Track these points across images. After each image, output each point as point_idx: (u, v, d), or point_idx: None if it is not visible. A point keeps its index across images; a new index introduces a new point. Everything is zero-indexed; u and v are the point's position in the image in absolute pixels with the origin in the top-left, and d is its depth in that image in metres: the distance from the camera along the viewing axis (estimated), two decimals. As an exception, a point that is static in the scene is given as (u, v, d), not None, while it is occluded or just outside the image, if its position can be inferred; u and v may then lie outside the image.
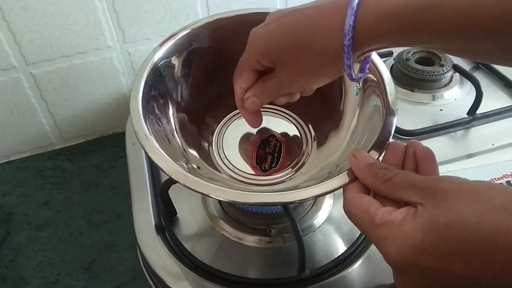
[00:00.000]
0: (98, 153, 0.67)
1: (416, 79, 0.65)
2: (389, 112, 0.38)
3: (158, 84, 0.44)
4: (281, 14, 0.36)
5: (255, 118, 0.43)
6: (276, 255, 0.45)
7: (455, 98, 0.64)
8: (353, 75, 0.33)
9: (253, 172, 0.45)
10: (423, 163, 0.32)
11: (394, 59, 0.69)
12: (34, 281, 0.51)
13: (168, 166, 0.34)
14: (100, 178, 0.63)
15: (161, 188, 0.46)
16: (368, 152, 0.34)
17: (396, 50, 0.71)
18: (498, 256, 0.23)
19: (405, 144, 0.34)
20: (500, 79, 0.66)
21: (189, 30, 0.46)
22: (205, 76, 0.49)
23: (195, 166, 0.43)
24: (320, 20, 0.32)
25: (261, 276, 0.44)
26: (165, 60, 0.45)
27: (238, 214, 0.47)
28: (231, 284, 0.43)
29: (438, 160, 0.32)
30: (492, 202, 0.24)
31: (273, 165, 0.45)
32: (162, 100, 0.45)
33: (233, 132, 0.49)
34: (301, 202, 0.47)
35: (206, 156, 0.46)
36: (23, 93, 0.60)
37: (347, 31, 0.30)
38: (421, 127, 0.58)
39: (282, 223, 0.47)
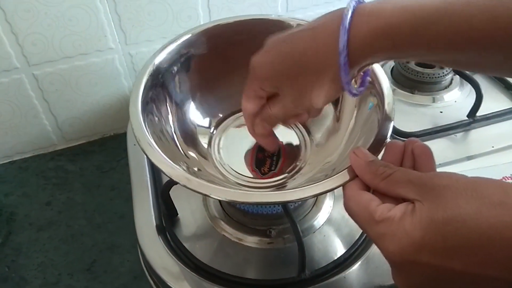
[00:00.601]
0: (99, 154, 0.67)
1: (416, 81, 0.65)
2: (386, 113, 0.38)
3: (157, 89, 0.44)
4: (277, 40, 0.37)
5: (270, 141, 0.44)
6: (276, 256, 0.45)
7: (455, 100, 0.65)
8: (353, 91, 0.34)
9: (253, 175, 0.45)
10: (421, 160, 0.32)
11: (394, 61, 0.69)
12: (35, 281, 0.51)
13: (170, 169, 0.35)
14: (102, 179, 0.63)
15: (162, 189, 0.46)
16: None
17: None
18: (496, 252, 0.23)
19: (404, 142, 0.34)
20: (500, 81, 0.67)
21: (189, 36, 0.47)
22: (204, 81, 0.49)
23: (196, 169, 0.43)
24: (315, 42, 0.33)
25: (261, 277, 0.44)
26: (165, 65, 0.45)
27: (239, 215, 0.48)
28: (232, 285, 0.43)
29: (438, 162, 0.32)
30: (489, 198, 0.24)
31: (272, 168, 0.46)
32: (162, 104, 0.45)
33: (232, 136, 0.49)
34: (302, 201, 0.47)
35: (205, 159, 0.47)
36: (25, 94, 0.60)
37: (341, 50, 0.31)
38: (421, 129, 0.59)
39: (282, 224, 0.47)
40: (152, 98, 0.43)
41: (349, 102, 0.45)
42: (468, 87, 0.65)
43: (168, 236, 0.47)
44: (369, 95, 0.42)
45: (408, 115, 0.62)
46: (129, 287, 0.50)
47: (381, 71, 0.41)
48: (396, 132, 0.58)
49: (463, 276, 0.24)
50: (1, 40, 0.54)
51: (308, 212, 0.49)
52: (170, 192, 0.47)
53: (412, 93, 0.65)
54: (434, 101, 0.64)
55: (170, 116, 0.46)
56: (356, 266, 0.43)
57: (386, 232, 0.26)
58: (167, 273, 0.43)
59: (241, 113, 0.50)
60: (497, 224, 0.23)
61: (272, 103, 0.39)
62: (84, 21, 0.56)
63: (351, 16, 0.30)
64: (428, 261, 0.25)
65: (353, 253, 0.45)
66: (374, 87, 0.41)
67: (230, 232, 0.47)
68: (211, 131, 0.50)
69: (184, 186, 0.34)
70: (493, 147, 0.57)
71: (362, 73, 0.38)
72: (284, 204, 0.44)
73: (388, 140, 0.35)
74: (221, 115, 0.51)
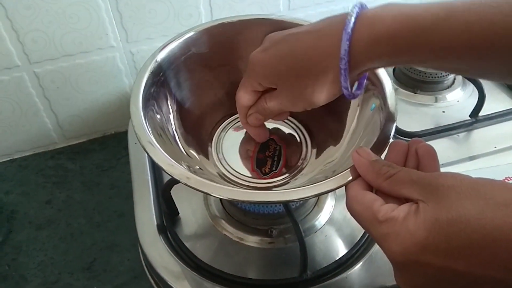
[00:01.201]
0: (100, 152, 0.67)
1: (419, 80, 0.65)
2: (388, 114, 0.38)
3: (158, 87, 0.44)
4: (278, 38, 0.37)
5: (260, 132, 0.46)
6: (277, 256, 0.45)
7: (458, 100, 0.64)
8: (351, 94, 0.35)
9: (253, 175, 0.45)
10: (425, 160, 0.32)
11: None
12: (35, 280, 0.51)
13: (172, 168, 0.34)
14: (102, 177, 0.63)
15: (164, 188, 0.46)
16: None
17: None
18: (501, 253, 0.23)
19: (407, 142, 0.34)
20: (503, 81, 0.66)
21: (191, 34, 0.47)
22: (205, 79, 0.49)
23: (196, 168, 0.43)
24: (317, 45, 0.34)
25: (262, 276, 0.44)
26: (166, 63, 0.45)
27: (240, 215, 0.47)
28: (232, 285, 0.43)
29: (440, 162, 0.32)
30: (494, 199, 0.24)
31: (273, 168, 0.45)
32: (163, 103, 0.45)
33: (233, 136, 0.49)
34: (304, 200, 0.47)
35: (206, 159, 0.47)
36: (26, 92, 0.60)
37: (343, 56, 0.31)
38: (424, 129, 0.59)
39: (284, 224, 0.47)
40: (153, 96, 0.43)
41: (352, 102, 0.45)
42: (471, 87, 0.65)
43: (169, 235, 0.47)
44: (371, 96, 0.42)
45: (410, 114, 0.62)
46: (129, 286, 0.50)
47: (383, 72, 0.41)
48: (398, 132, 0.58)
49: (467, 277, 0.24)
50: (2, 37, 0.54)
51: (310, 212, 0.48)
52: (171, 191, 0.46)
53: (415, 93, 0.65)
54: (436, 100, 0.64)
55: (171, 115, 0.46)
56: (358, 266, 0.43)
57: (389, 232, 0.26)
58: (167, 272, 0.43)
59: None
60: (502, 225, 0.23)
61: (269, 97, 0.39)
62: (85, 18, 0.56)
63: (354, 22, 0.31)
64: (432, 262, 0.25)
65: (355, 253, 0.45)
66: (376, 88, 0.40)
67: (231, 231, 0.47)
68: (213, 130, 0.50)
69: (185, 184, 0.33)
70: (495, 147, 0.57)
71: (360, 76, 0.38)
72: (286, 204, 0.43)
73: (391, 141, 0.35)
74: (222, 114, 0.51)
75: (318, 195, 0.33)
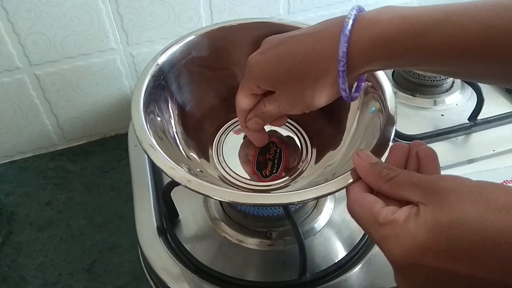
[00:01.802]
0: (100, 154, 0.67)
1: (418, 84, 0.65)
2: (388, 117, 0.38)
3: (159, 90, 0.44)
4: (276, 41, 0.37)
5: (259, 137, 0.46)
6: (276, 258, 0.45)
7: (456, 103, 0.65)
8: (349, 97, 0.35)
9: (254, 178, 0.45)
10: (425, 162, 0.32)
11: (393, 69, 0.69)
12: (35, 281, 0.51)
13: (172, 170, 0.35)
14: (102, 179, 0.63)
15: (164, 190, 0.46)
16: None
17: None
18: (501, 256, 0.23)
19: (408, 145, 0.34)
20: (501, 85, 0.67)
21: (192, 37, 0.47)
22: (205, 83, 0.49)
23: (197, 171, 0.43)
24: (315, 47, 0.34)
25: (261, 279, 0.44)
26: (167, 66, 0.45)
27: (239, 217, 0.48)
28: (231, 287, 0.43)
29: (439, 165, 0.32)
30: (494, 202, 0.24)
31: (274, 171, 0.46)
32: (164, 106, 0.45)
33: (233, 139, 0.49)
34: (303, 203, 0.47)
35: (207, 161, 0.47)
36: (26, 94, 0.60)
37: (341, 58, 0.31)
38: (422, 132, 0.59)
39: (283, 226, 0.47)
40: (154, 99, 0.43)
41: (351, 105, 0.45)
42: (469, 91, 0.65)
43: (168, 237, 0.47)
44: (371, 99, 0.42)
45: (409, 118, 0.62)
46: (129, 287, 0.50)
47: (383, 76, 0.41)
48: (397, 135, 0.58)
49: (467, 280, 0.24)
50: (3, 40, 0.54)
51: (309, 215, 0.49)
52: (171, 193, 0.46)
53: (414, 96, 0.65)
54: (435, 104, 0.64)
55: (172, 118, 0.46)
56: (357, 269, 0.43)
57: (390, 235, 0.26)
58: (167, 274, 0.43)
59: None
60: (502, 228, 0.23)
61: (268, 100, 0.39)
62: (86, 21, 0.56)
63: (352, 24, 0.31)
64: (432, 264, 0.25)
65: (354, 256, 0.45)
66: (376, 91, 0.41)
67: (230, 233, 0.47)
68: (213, 132, 0.50)
69: (186, 187, 0.34)
70: (494, 150, 0.57)
71: (358, 78, 0.38)
72: (285, 206, 0.44)
73: (391, 143, 0.35)
74: (223, 117, 0.51)
75: (318, 198, 0.34)
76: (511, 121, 0.61)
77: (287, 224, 0.46)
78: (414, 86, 0.65)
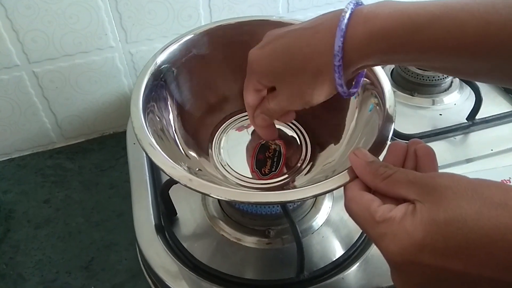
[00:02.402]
0: (98, 152, 0.67)
1: (416, 83, 0.65)
2: (387, 114, 0.38)
3: (158, 88, 0.44)
4: (274, 35, 0.37)
5: (268, 131, 0.45)
6: (274, 256, 0.45)
7: (455, 103, 0.65)
8: (346, 92, 0.35)
9: (253, 176, 0.45)
10: (423, 161, 0.32)
11: (389, 65, 0.69)
12: (33, 279, 0.51)
13: (171, 169, 0.35)
14: (100, 177, 0.63)
15: (162, 188, 0.46)
16: None
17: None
18: (498, 253, 0.23)
19: (406, 143, 0.34)
20: (500, 84, 0.67)
21: (191, 36, 0.47)
22: (205, 81, 0.49)
23: (196, 169, 0.43)
24: (312, 42, 0.33)
25: (259, 277, 0.44)
26: (166, 65, 0.45)
27: (238, 215, 0.48)
28: (230, 285, 0.43)
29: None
30: (491, 199, 0.24)
31: (273, 169, 0.46)
32: (163, 104, 0.45)
33: (233, 137, 0.49)
34: (301, 201, 0.47)
35: (206, 160, 0.47)
36: (25, 92, 0.60)
37: (337, 52, 0.31)
38: (421, 132, 0.59)
39: (281, 225, 0.47)
40: (154, 98, 0.43)
41: (350, 103, 0.45)
42: (468, 90, 0.65)
43: (167, 235, 0.47)
44: (370, 96, 0.42)
45: (407, 117, 0.63)
46: (127, 285, 0.50)
47: (382, 73, 0.41)
48: (396, 134, 0.58)
49: (464, 277, 0.24)
50: (1, 37, 0.54)
51: (307, 213, 0.49)
52: (169, 192, 0.47)
53: (412, 95, 0.65)
54: (433, 103, 0.64)
55: (171, 116, 0.46)
56: (354, 267, 0.43)
57: (386, 233, 0.26)
58: (165, 272, 0.43)
59: (242, 114, 0.51)
60: (498, 225, 0.23)
61: (271, 97, 0.39)
62: (84, 18, 0.56)
63: (349, 18, 0.31)
64: (429, 262, 0.25)
65: (352, 254, 0.45)
66: (375, 89, 0.41)
67: (229, 232, 0.47)
68: (213, 131, 0.50)
69: (185, 185, 0.34)
70: (492, 150, 0.57)
71: (357, 74, 0.38)
72: (283, 205, 0.44)
73: (389, 142, 0.36)
74: (222, 116, 0.51)
75: (315, 196, 0.34)
76: (509, 120, 0.61)
77: (285, 222, 0.46)
78: (412, 86, 0.65)
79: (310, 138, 0.49)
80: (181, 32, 0.48)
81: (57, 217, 0.58)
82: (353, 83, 0.38)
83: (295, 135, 0.49)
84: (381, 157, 0.34)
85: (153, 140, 0.37)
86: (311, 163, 0.46)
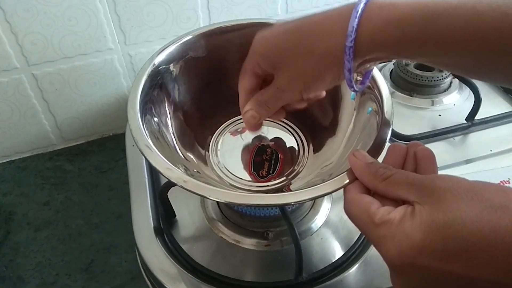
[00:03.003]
0: (98, 154, 0.67)
1: (415, 84, 0.65)
2: (384, 118, 0.38)
3: (156, 90, 0.44)
4: (287, 21, 0.36)
5: (254, 125, 0.43)
6: (273, 258, 0.45)
7: (454, 103, 0.65)
8: (353, 81, 0.33)
9: (251, 179, 0.45)
10: (423, 163, 0.32)
11: (393, 64, 0.69)
12: (33, 281, 0.51)
13: (169, 171, 0.35)
14: (100, 179, 0.63)
15: (161, 190, 0.46)
16: None
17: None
18: (497, 256, 0.23)
19: (406, 145, 0.34)
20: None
21: (189, 38, 0.47)
22: (202, 84, 0.49)
23: (194, 171, 0.43)
24: (324, 23, 0.33)
25: (258, 279, 0.44)
26: (164, 66, 0.45)
27: (236, 217, 0.48)
28: (228, 287, 0.43)
29: (436, 165, 0.32)
30: (490, 202, 0.24)
31: (271, 172, 0.46)
32: (160, 106, 0.45)
33: (230, 139, 0.49)
34: (300, 203, 0.47)
35: (203, 162, 0.47)
36: (24, 94, 0.60)
37: (350, 33, 0.30)
38: (420, 132, 0.59)
39: (280, 227, 0.47)
40: (151, 99, 0.43)
41: (348, 105, 0.45)
42: (467, 91, 0.65)
43: (165, 237, 0.47)
44: (368, 100, 0.42)
45: (406, 118, 0.62)
46: (126, 287, 0.50)
47: (380, 77, 0.41)
48: (395, 135, 0.58)
49: (463, 279, 0.24)
50: (0, 40, 0.54)
51: (306, 215, 0.49)
52: (168, 194, 0.47)
53: (411, 96, 0.65)
54: (433, 104, 0.64)
55: (168, 118, 0.46)
56: (353, 269, 0.43)
57: (386, 235, 0.26)
58: (164, 275, 0.43)
59: (239, 116, 0.50)
60: (498, 228, 0.23)
61: (266, 89, 0.38)
62: (83, 21, 0.56)
63: (365, 3, 0.30)
64: (428, 264, 0.24)
65: (351, 256, 0.45)
66: (373, 92, 0.41)
67: (227, 234, 0.47)
68: (210, 133, 0.50)
69: (182, 187, 0.34)
70: (491, 150, 0.57)
71: (363, 73, 0.37)
72: (282, 207, 0.44)
73: (387, 144, 0.35)
74: (220, 118, 0.51)
75: (314, 199, 0.34)
76: (508, 121, 0.61)
77: (283, 224, 0.46)
78: (411, 86, 0.65)
79: (308, 140, 0.49)
80: (179, 34, 0.48)
81: (57, 219, 0.58)
82: (360, 80, 0.37)
83: (292, 138, 0.49)
84: (380, 160, 0.34)
85: (150, 141, 0.37)
86: (309, 166, 0.46)
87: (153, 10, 0.59)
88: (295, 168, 0.46)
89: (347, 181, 0.32)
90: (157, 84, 0.44)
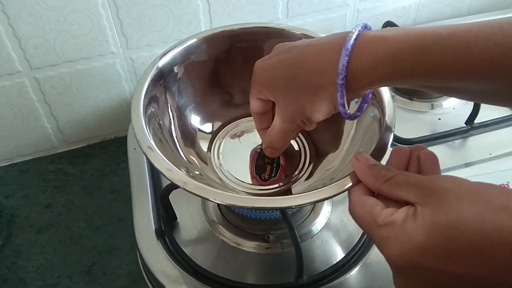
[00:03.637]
0: (100, 157, 0.68)
1: (415, 88, 0.65)
2: (386, 123, 0.38)
3: (158, 94, 0.45)
4: (283, 49, 0.37)
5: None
6: (274, 261, 0.46)
7: (454, 107, 0.65)
8: (347, 113, 0.34)
9: (253, 182, 0.46)
10: (426, 166, 0.32)
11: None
12: (35, 283, 0.51)
13: (172, 173, 0.35)
14: (102, 181, 0.63)
15: (162, 193, 0.46)
16: None
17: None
18: (500, 256, 0.23)
19: (409, 148, 0.34)
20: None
21: (191, 42, 0.47)
22: (205, 86, 0.50)
23: (196, 173, 0.43)
24: (317, 58, 0.33)
25: (259, 281, 0.44)
26: (167, 70, 0.46)
27: (237, 220, 0.48)
28: (229, 289, 0.43)
29: (437, 169, 0.32)
30: (492, 202, 0.24)
31: (273, 175, 0.46)
32: (163, 109, 0.46)
33: (231, 143, 0.50)
34: (302, 207, 0.47)
35: (205, 164, 0.47)
36: (27, 97, 0.60)
37: (341, 71, 0.31)
38: (420, 136, 0.59)
39: (281, 229, 0.47)
40: (154, 102, 0.44)
41: (350, 109, 0.45)
42: (467, 94, 0.65)
43: (167, 240, 0.48)
44: (370, 105, 0.42)
45: (406, 121, 0.63)
46: (128, 290, 0.51)
47: None
48: (395, 139, 0.58)
49: (466, 280, 0.24)
50: (3, 44, 0.54)
51: (306, 218, 0.49)
52: (169, 197, 0.47)
53: (411, 100, 0.65)
54: (432, 108, 0.65)
55: (171, 121, 0.46)
56: (354, 271, 0.44)
57: (389, 236, 0.27)
58: (165, 277, 0.43)
59: (241, 120, 0.51)
60: (500, 228, 0.23)
61: (273, 125, 0.40)
62: (86, 25, 0.57)
63: (355, 39, 0.31)
64: (431, 265, 0.25)
65: (351, 259, 0.46)
66: (375, 97, 0.41)
67: (228, 236, 0.47)
68: (212, 136, 0.50)
69: (185, 189, 0.34)
70: (491, 154, 0.57)
71: (361, 98, 0.38)
72: (283, 210, 0.44)
73: (389, 149, 0.36)
74: (222, 121, 0.51)
75: (315, 202, 0.34)
76: (507, 124, 0.61)
77: (284, 227, 0.46)
78: (411, 90, 0.66)
79: (309, 144, 0.49)
80: (181, 38, 0.48)
81: (59, 222, 0.58)
82: (357, 106, 0.38)
83: (294, 142, 0.49)
84: (383, 163, 0.34)
85: (153, 144, 0.37)
86: (311, 170, 0.46)
87: (155, 14, 0.59)
88: (297, 172, 0.47)
89: (349, 185, 0.33)
90: (160, 87, 0.45)
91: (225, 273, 0.44)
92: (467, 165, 0.57)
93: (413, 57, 0.29)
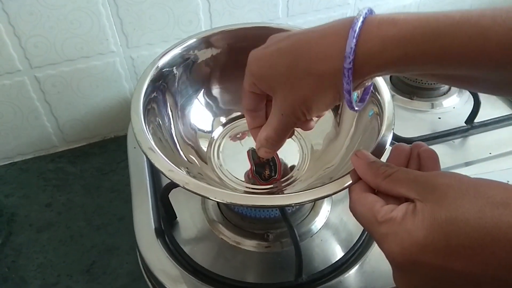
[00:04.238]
0: (100, 156, 0.68)
1: (415, 87, 0.65)
2: (386, 122, 0.38)
3: (159, 92, 0.45)
4: (280, 37, 0.34)
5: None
6: (273, 260, 0.46)
7: (454, 106, 0.65)
8: (353, 102, 0.32)
9: (253, 181, 0.46)
10: (427, 163, 0.32)
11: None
12: (35, 282, 0.51)
13: (172, 172, 0.35)
14: (102, 181, 0.63)
15: (162, 192, 0.46)
16: None
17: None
18: (500, 252, 0.23)
19: (410, 146, 0.34)
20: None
21: (191, 41, 0.47)
22: (205, 86, 0.50)
23: (196, 173, 0.43)
24: (320, 43, 0.31)
25: (258, 280, 0.44)
26: (167, 69, 0.46)
27: (237, 219, 0.48)
28: (229, 288, 0.43)
29: (438, 167, 0.32)
30: (493, 198, 0.24)
31: (272, 174, 0.46)
32: (163, 108, 0.46)
33: (231, 142, 0.50)
34: (302, 205, 0.47)
35: (205, 164, 0.47)
36: (27, 96, 0.60)
37: (348, 54, 0.28)
38: (420, 135, 0.59)
39: (280, 228, 0.47)
40: (154, 102, 0.44)
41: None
42: (467, 94, 0.65)
43: (166, 239, 0.48)
44: (369, 103, 0.42)
45: (406, 121, 0.63)
46: (128, 289, 0.51)
47: (381, 80, 0.41)
48: (395, 138, 0.58)
49: (466, 277, 0.24)
50: (4, 43, 0.55)
51: (306, 217, 0.49)
52: (169, 195, 0.47)
53: (411, 99, 0.65)
54: (432, 107, 0.65)
55: (171, 120, 0.46)
56: (353, 270, 0.44)
57: (388, 233, 0.27)
58: (165, 276, 0.43)
59: (241, 120, 0.51)
60: (501, 224, 0.23)
61: (269, 120, 0.36)
62: (86, 24, 0.57)
63: (362, 22, 0.29)
64: (431, 261, 0.25)
65: (351, 258, 0.46)
66: (374, 95, 0.41)
67: (228, 235, 0.47)
68: (212, 136, 0.50)
69: (185, 188, 0.34)
70: (490, 153, 0.58)
71: (363, 89, 0.36)
72: (282, 209, 0.44)
73: (389, 148, 0.36)
74: (222, 121, 0.51)
75: (315, 200, 0.34)
76: (507, 124, 0.61)
77: (284, 226, 0.46)
78: (411, 89, 0.66)
79: (309, 143, 0.49)
80: (181, 37, 0.48)
81: (59, 221, 0.58)
82: (359, 97, 0.36)
83: (294, 140, 0.50)
84: (383, 160, 0.34)
85: (153, 144, 0.37)
86: (310, 168, 0.46)
87: (155, 13, 0.59)
88: (297, 170, 0.47)
89: (349, 182, 0.33)
90: (159, 86, 0.45)
91: (224, 272, 0.44)
92: (467, 164, 0.57)
93: (426, 42, 0.27)
